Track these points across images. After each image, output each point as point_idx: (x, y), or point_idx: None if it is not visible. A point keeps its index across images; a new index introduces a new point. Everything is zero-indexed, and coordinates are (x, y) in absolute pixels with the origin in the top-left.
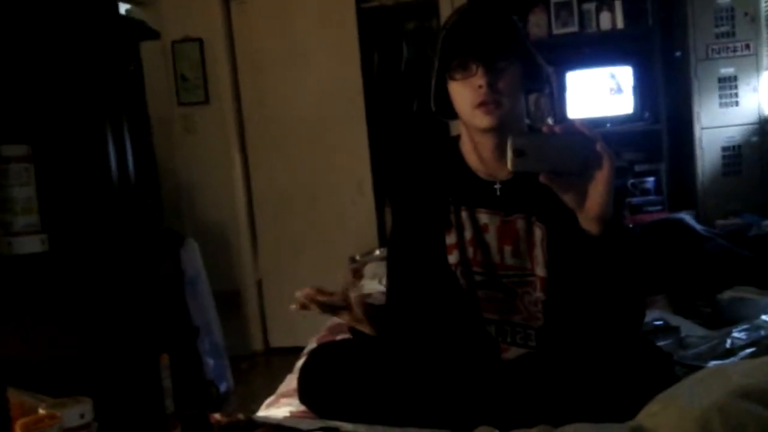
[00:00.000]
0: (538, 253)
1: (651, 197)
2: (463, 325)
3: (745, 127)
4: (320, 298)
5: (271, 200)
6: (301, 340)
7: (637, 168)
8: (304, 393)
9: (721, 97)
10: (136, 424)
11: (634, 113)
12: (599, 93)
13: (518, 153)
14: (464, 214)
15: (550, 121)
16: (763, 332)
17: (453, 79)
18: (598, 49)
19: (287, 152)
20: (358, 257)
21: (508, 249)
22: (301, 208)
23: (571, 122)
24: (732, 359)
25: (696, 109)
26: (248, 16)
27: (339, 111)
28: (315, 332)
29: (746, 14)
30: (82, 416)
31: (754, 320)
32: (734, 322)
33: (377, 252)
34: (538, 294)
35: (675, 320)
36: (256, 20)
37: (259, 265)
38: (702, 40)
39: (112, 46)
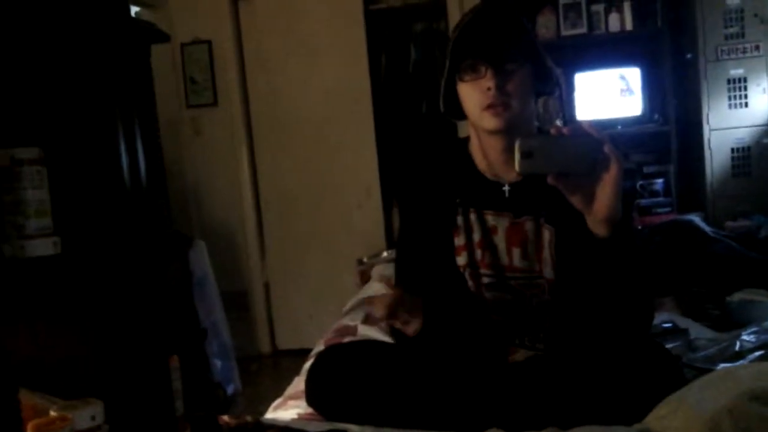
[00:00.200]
0: (547, 255)
1: (660, 199)
2: (472, 326)
3: (755, 128)
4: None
5: (278, 201)
6: (308, 342)
7: (646, 169)
8: (311, 395)
9: (730, 98)
10: (147, 425)
11: (643, 115)
12: (608, 94)
13: (526, 155)
14: (473, 216)
15: (558, 122)
16: None
17: (462, 80)
18: (607, 51)
19: (294, 154)
20: (365, 259)
21: (516, 251)
22: (309, 210)
23: (579, 124)
24: (741, 362)
25: (705, 110)
26: (257, 18)
27: (346, 112)
28: (322, 334)
29: (756, 15)
30: (93, 418)
31: (763, 323)
32: (743, 324)
33: (384, 254)
34: (547, 296)
35: (684, 322)
36: (264, 22)
37: (267, 266)
38: (711, 42)
39: (124, 49)
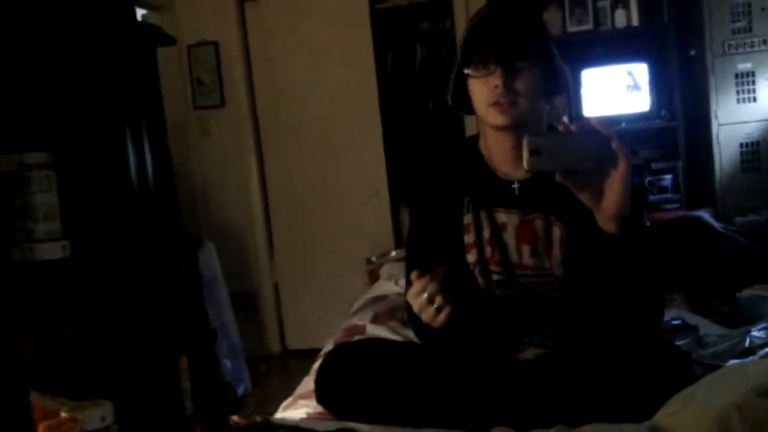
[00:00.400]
0: (557, 252)
1: (668, 195)
2: (482, 324)
3: (764, 122)
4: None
5: (286, 202)
6: (317, 342)
7: (654, 166)
8: (321, 394)
9: (738, 93)
10: (156, 426)
11: (651, 111)
12: (615, 91)
13: (534, 152)
14: (482, 213)
15: (565, 119)
16: None
17: (471, 75)
18: (614, 47)
19: (302, 154)
20: (374, 259)
21: (526, 248)
22: (317, 210)
23: (587, 120)
24: (751, 358)
25: (713, 105)
26: (263, 19)
27: (353, 112)
28: (331, 334)
29: (763, 9)
30: (102, 419)
31: None
32: (753, 320)
33: (393, 253)
34: (556, 294)
35: (693, 319)
36: (270, 22)
37: (275, 267)
38: (718, 36)
39: (131, 53)
